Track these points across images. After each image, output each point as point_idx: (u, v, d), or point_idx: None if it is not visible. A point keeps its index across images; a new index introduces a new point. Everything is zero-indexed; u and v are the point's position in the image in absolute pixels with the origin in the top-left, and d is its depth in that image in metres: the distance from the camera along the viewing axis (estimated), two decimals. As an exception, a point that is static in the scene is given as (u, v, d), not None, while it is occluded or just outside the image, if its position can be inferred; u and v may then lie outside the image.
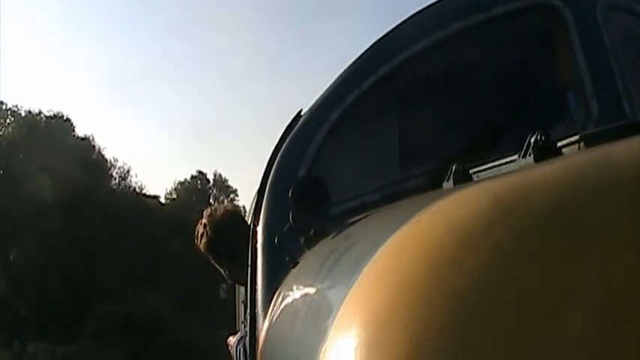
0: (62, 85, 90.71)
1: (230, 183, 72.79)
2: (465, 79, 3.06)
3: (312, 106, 3.15)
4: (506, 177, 1.39)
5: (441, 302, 1.10)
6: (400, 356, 1.11)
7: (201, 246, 3.76)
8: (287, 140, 3.07)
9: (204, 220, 3.69)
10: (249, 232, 3.17)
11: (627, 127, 1.41)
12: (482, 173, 2.05)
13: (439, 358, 1.07)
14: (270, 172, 3.03)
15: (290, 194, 2.37)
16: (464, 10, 3.05)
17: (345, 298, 1.40)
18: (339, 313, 1.38)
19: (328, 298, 1.72)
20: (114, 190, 54.50)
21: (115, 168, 55.57)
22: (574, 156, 1.38)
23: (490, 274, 1.08)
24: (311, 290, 2.02)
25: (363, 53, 3.13)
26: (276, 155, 3.07)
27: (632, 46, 2.84)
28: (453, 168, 2.17)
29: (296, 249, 2.55)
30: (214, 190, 72.22)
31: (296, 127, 3.09)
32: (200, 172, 71.17)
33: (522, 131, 2.82)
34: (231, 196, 71.62)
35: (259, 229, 2.91)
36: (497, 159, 2.08)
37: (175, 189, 68.78)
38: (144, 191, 57.97)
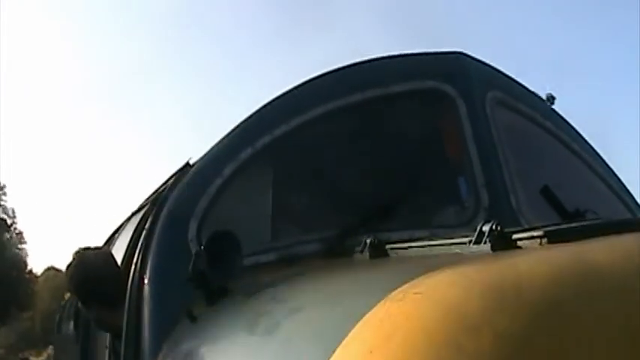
0: None
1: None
2: (360, 151, 3.17)
3: (204, 158, 3.12)
4: (486, 262, 1.46)
5: None
6: None
7: (71, 286, 3.61)
8: (176, 190, 3.01)
9: (74, 261, 3.52)
10: (122, 277, 3.07)
11: (586, 227, 1.55)
12: (403, 251, 2.12)
13: None
14: (157, 220, 2.95)
15: (198, 247, 2.36)
16: (361, 83, 3.17)
17: None
18: None
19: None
20: None
21: None
22: (552, 251, 1.48)
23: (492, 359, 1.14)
24: (240, 351, 1.99)
25: (259, 110, 3.15)
26: (163, 204, 3.00)
27: (515, 141, 3.09)
28: (368, 241, 2.24)
29: (193, 303, 2.49)
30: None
31: (186, 179, 3.04)
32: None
33: (412, 209, 2.99)
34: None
35: (146, 277, 2.82)
36: (417, 237, 2.19)
37: None
38: None
